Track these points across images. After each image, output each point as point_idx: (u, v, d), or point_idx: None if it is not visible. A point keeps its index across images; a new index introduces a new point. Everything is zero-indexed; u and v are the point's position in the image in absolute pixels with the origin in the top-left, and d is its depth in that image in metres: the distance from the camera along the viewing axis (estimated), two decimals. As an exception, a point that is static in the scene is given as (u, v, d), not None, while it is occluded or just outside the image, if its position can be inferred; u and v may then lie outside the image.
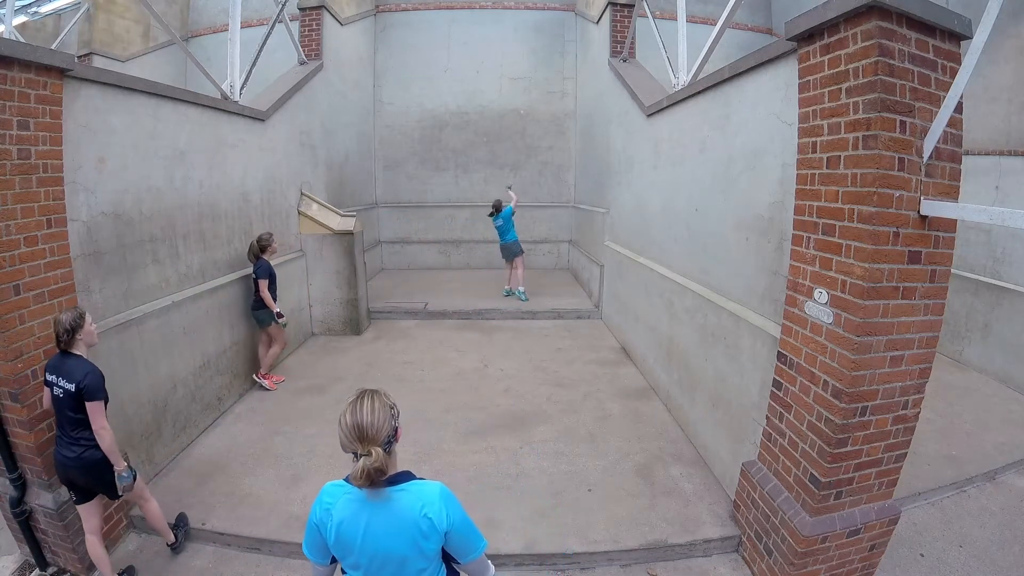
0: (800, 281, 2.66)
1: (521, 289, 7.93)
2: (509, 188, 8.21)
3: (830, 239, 2.43)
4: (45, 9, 8.19)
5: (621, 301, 6.47)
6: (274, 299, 4.91)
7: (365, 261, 7.12)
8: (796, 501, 2.69)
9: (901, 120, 2.17)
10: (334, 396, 4.94)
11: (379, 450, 1.41)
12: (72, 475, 2.59)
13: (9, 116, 2.54)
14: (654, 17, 6.24)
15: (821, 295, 2.49)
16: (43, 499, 2.82)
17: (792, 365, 2.72)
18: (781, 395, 2.82)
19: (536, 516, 3.27)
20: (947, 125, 2.17)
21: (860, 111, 2.21)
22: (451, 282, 9.07)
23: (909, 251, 2.26)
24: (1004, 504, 3.58)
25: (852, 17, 2.21)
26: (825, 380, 2.46)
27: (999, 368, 5.44)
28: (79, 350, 2.56)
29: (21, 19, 8.10)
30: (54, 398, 2.53)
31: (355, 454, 1.42)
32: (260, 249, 4.88)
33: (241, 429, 4.32)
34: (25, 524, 2.87)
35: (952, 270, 2.67)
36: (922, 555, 3.12)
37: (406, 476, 1.53)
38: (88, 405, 2.47)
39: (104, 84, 3.25)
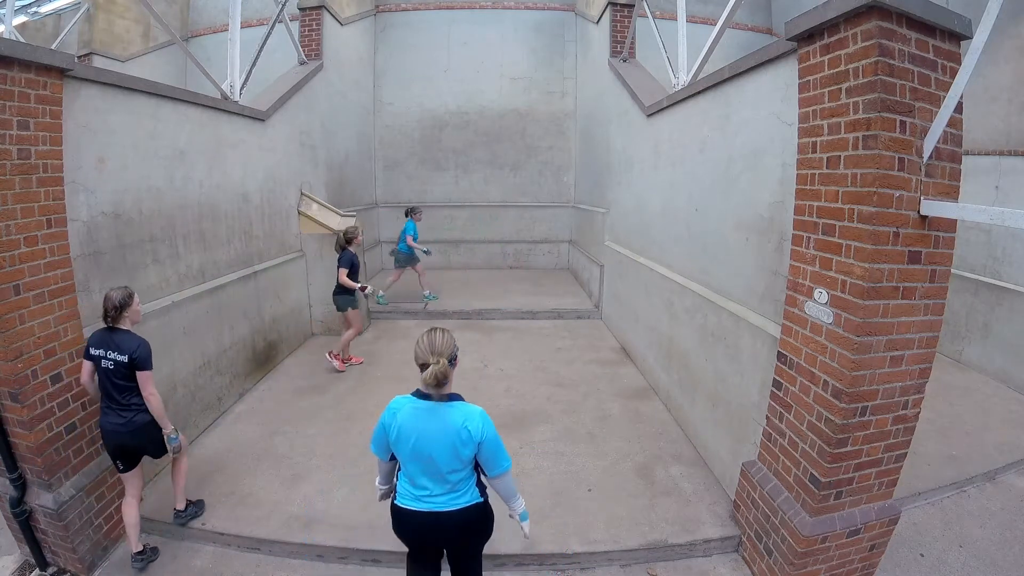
0: (800, 281, 2.66)
1: (427, 292, 7.96)
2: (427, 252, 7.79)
3: (830, 239, 2.43)
4: (45, 9, 8.20)
5: (621, 301, 6.47)
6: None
7: (365, 261, 7.11)
8: (796, 501, 2.69)
9: (901, 120, 2.17)
10: (334, 396, 4.94)
11: (444, 360, 1.90)
12: (123, 439, 2.78)
13: (9, 116, 2.54)
14: (654, 17, 6.24)
15: (821, 295, 2.49)
16: (43, 499, 2.81)
17: (792, 365, 2.72)
18: (781, 395, 2.82)
19: (536, 516, 3.25)
20: (947, 125, 2.17)
21: (860, 111, 2.21)
22: (451, 282, 9.06)
23: (909, 251, 2.26)
24: (1004, 504, 3.58)
25: (852, 17, 2.21)
26: (825, 380, 2.46)
27: (999, 368, 5.44)
28: (125, 326, 2.76)
29: (21, 19, 8.10)
30: (102, 370, 2.71)
31: (426, 364, 1.90)
32: (346, 241, 5.34)
33: (241, 429, 4.32)
34: (25, 524, 2.87)
35: (952, 270, 2.67)
36: (922, 555, 3.12)
37: (457, 397, 2.04)
38: (139, 374, 2.71)
39: (104, 84, 3.25)
